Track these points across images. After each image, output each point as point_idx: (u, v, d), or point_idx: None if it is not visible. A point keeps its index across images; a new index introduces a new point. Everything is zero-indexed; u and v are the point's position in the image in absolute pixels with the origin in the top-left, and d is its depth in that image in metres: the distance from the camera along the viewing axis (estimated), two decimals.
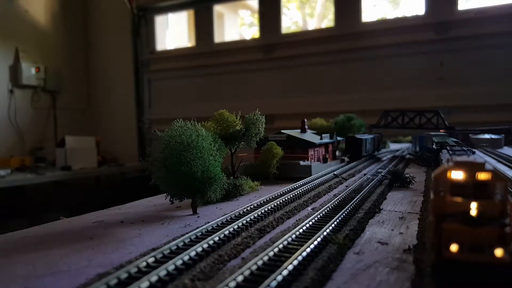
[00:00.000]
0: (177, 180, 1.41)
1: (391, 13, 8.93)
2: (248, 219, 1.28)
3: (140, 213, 1.59)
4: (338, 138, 3.17)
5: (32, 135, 6.98)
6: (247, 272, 0.84)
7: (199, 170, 1.42)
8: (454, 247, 0.74)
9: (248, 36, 9.90)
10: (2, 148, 6.44)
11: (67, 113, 7.63)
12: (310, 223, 1.23)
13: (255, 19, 9.08)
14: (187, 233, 1.12)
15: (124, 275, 0.82)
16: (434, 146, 2.04)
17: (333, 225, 1.21)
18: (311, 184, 1.98)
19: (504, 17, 5.14)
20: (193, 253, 0.96)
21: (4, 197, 5.49)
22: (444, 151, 1.53)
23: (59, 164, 6.13)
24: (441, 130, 3.71)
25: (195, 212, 1.53)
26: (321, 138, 2.80)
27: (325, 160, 2.73)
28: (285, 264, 0.86)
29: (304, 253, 0.94)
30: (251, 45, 7.04)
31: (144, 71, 7.90)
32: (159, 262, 0.91)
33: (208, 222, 1.22)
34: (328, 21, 8.77)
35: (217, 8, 7.64)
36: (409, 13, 6.31)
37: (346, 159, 3.11)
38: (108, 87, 8.15)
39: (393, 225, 1.31)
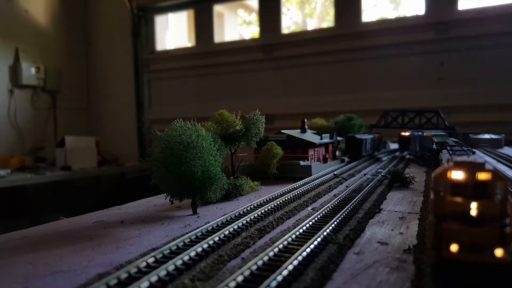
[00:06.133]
0: (177, 180, 1.41)
1: (391, 13, 8.92)
2: (248, 219, 1.28)
3: (140, 213, 1.59)
4: (338, 138, 3.17)
5: (32, 135, 6.98)
6: (247, 272, 0.84)
7: (199, 170, 1.42)
8: (454, 247, 0.74)
9: (248, 36, 9.90)
10: (2, 148, 6.44)
11: (67, 113, 7.63)
12: (310, 223, 1.23)
13: (254, 18, 9.09)
14: (187, 233, 1.12)
15: (124, 275, 0.82)
16: (434, 146, 2.04)
17: (333, 225, 1.21)
18: (311, 184, 1.98)
19: (504, 17, 5.13)
20: (193, 253, 0.96)
21: (4, 197, 5.50)
22: (444, 151, 1.53)
23: (59, 164, 6.12)
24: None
25: (195, 212, 1.53)
26: (321, 138, 2.80)
27: (325, 160, 2.73)
28: (285, 264, 0.86)
29: (304, 253, 0.94)
30: (251, 45, 7.04)
31: (144, 71, 7.90)
32: (159, 262, 0.91)
33: (208, 222, 1.22)
34: (328, 21, 8.78)
35: (217, 8, 7.64)
36: (409, 13, 6.31)
37: (346, 159, 3.10)
38: (108, 87, 8.15)
39: (393, 225, 1.31)
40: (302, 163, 2.39)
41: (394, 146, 4.73)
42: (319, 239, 1.05)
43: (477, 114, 5.13)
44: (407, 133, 3.92)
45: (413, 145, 3.84)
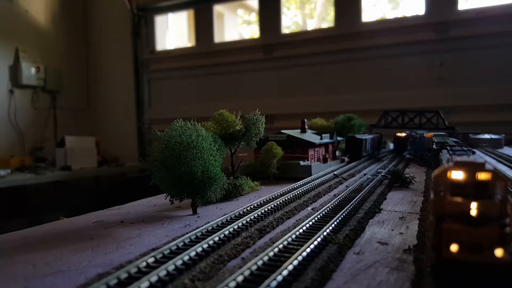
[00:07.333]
0: (177, 180, 1.41)
1: (391, 13, 8.93)
2: (248, 219, 1.27)
3: (140, 213, 1.59)
4: (338, 138, 3.17)
5: (32, 135, 6.97)
6: (247, 272, 0.84)
7: (199, 170, 1.42)
8: (454, 247, 0.74)
9: (248, 36, 9.89)
10: (2, 148, 6.44)
11: (67, 113, 7.63)
12: (310, 223, 1.23)
13: (253, 17, 9.08)
14: (187, 233, 1.12)
15: (124, 275, 0.82)
16: (434, 146, 2.04)
17: (333, 225, 1.21)
18: (311, 184, 1.98)
19: (504, 17, 5.13)
20: (193, 253, 0.96)
21: (4, 197, 5.49)
22: (444, 151, 1.53)
23: (59, 164, 6.12)
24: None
25: (195, 212, 1.53)
26: (321, 138, 2.80)
27: (325, 160, 2.73)
28: (285, 264, 0.86)
29: (304, 253, 0.94)
30: (251, 45, 7.04)
31: (144, 71, 7.90)
32: (159, 262, 0.91)
33: (208, 222, 1.22)
34: (328, 21, 8.77)
35: (217, 8, 7.64)
36: (409, 13, 6.31)
37: (346, 159, 3.11)
38: (108, 87, 8.15)
39: (393, 225, 1.31)
40: (302, 163, 2.39)
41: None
42: (319, 239, 1.05)
43: (477, 114, 5.13)
44: (403, 134, 3.85)
45: (411, 147, 3.81)
